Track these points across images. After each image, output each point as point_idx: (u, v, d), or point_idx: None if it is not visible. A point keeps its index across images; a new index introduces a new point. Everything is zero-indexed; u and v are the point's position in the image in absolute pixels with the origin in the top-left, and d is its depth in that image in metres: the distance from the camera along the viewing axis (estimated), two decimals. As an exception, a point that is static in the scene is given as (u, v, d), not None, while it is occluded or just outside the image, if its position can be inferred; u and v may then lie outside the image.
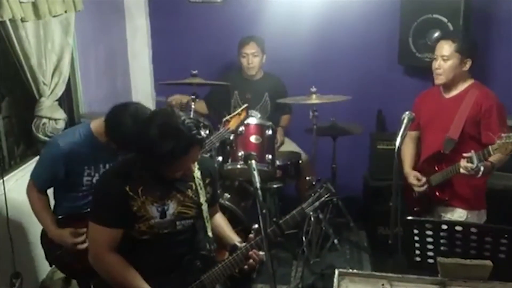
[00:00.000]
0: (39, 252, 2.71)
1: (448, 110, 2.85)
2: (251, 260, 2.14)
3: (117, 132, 2.33)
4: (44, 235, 2.56)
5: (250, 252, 2.14)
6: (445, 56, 2.80)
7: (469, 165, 2.59)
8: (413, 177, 2.93)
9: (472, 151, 2.60)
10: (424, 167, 2.96)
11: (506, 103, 2.87)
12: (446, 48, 2.80)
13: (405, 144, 3.03)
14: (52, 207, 2.59)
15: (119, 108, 2.34)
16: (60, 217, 2.51)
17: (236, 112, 3.16)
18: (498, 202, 3.10)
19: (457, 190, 2.83)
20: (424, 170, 2.94)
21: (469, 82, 2.87)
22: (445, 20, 3.71)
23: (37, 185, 2.50)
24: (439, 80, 2.86)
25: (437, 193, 2.87)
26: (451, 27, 3.69)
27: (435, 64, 2.85)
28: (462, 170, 2.64)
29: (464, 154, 2.64)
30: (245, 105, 3.24)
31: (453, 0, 3.67)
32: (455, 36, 2.88)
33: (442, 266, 1.78)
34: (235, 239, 2.27)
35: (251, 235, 2.18)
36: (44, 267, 2.97)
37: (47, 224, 2.50)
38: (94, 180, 2.49)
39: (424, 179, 2.89)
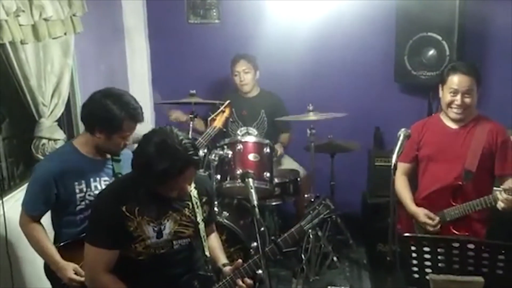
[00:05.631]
0: (38, 273, 2.70)
1: (459, 141, 2.80)
2: None
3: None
4: (47, 267, 2.47)
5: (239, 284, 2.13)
6: (469, 91, 2.73)
7: (510, 197, 2.48)
8: (424, 216, 2.78)
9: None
10: (432, 201, 2.82)
11: (500, 120, 2.89)
12: (468, 83, 2.72)
13: (399, 180, 2.90)
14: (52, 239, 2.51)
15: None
16: (61, 244, 2.44)
17: (220, 110, 3.18)
18: (501, 217, 2.92)
19: (474, 225, 2.73)
20: (432, 205, 2.81)
21: (475, 112, 2.83)
22: (439, 38, 3.77)
23: (31, 213, 2.42)
24: (460, 116, 2.78)
25: (454, 231, 2.72)
26: (445, 45, 3.74)
27: (457, 100, 2.74)
28: (502, 204, 2.53)
29: (503, 186, 2.56)
30: (228, 101, 3.25)
31: (447, 19, 3.72)
32: (468, 67, 2.78)
33: (434, 283, 1.78)
34: (221, 261, 2.26)
35: (239, 261, 2.17)
36: (44, 286, 2.95)
37: (48, 255, 2.40)
38: (87, 196, 2.43)
39: (437, 218, 2.76)
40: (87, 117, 2.42)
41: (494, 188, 2.78)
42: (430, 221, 2.76)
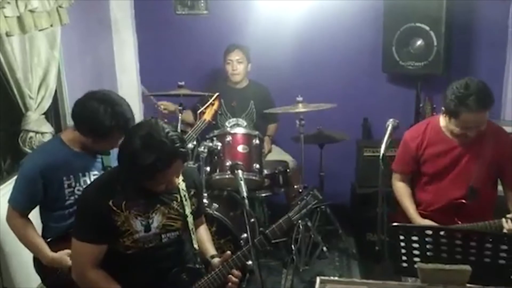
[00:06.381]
0: (27, 267, 2.68)
1: (464, 156, 2.65)
2: (229, 284, 2.12)
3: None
4: (37, 261, 2.44)
5: (229, 277, 2.12)
6: (483, 122, 2.55)
7: None
8: None
9: None
10: (436, 217, 2.68)
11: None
12: (484, 117, 2.52)
13: (399, 187, 2.83)
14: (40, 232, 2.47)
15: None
16: (49, 239, 2.41)
17: (209, 102, 3.17)
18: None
19: None
20: (436, 220, 2.66)
21: None
22: (427, 28, 3.78)
23: (18, 209, 2.37)
24: (470, 137, 2.60)
25: None
26: (433, 36, 3.75)
27: (469, 132, 2.55)
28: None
29: (509, 216, 2.46)
30: (217, 94, 3.23)
31: (435, 9, 3.73)
32: (485, 100, 2.48)
33: (422, 272, 1.79)
34: (210, 253, 2.24)
35: (228, 252, 2.17)
36: (32, 282, 2.94)
37: (39, 250, 2.36)
38: (76, 191, 2.40)
39: None
40: (76, 118, 2.36)
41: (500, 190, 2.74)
42: None
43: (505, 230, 2.47)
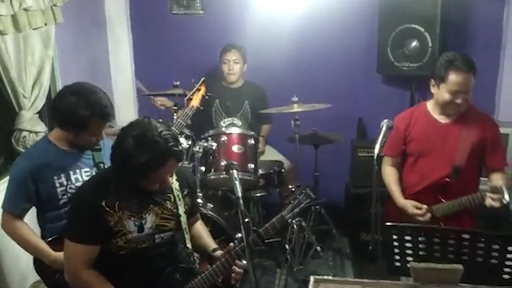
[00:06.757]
0: (21, 266, 2.68)
1: (449, 137, 2.71)
2: (233, 274, 2.13)
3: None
4: (38, 264, 2.42)
5: (233, 268, 2.13)
6: (470, 89, 2.62)
7: (497, 196, 2.47)
8: (411, 206, 2.72)
9: (501, 183, 2.54)
10: (422, 197, 2.75)
11: (481, 108, 2.92)
12: (469, 80, 2.59)
13: (388, 172, 2.90)
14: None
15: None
16: (49, 239, 2.39)
17: (195, 88, 3.15)
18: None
19: (463, 219, 2.68)
20: (422, 200, 2.74)
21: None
22: (422, 29, 3.79)
23: (12, 212, 2.35)
24: (458, 111, 2.68)
25: (443, 226, 2.61)
26: (428, 37, 3.77)
27: (458, 100, 2.61)
28: (490, 202, 2.52)
29: (489, 185, 2.55)
30: (202, 79, 3.22)
31: (430, 10, 3.75)
32: (468, 63, 2.61)
33: (414, 271, 1.81)
34: (211, 246, 2.25)
35: (231, 244, 2.16)
36: (26, 281, 2.94)
37: (39, 250, 2.35)
38: (68, 189, 2.38)
39: (424, 206, 2.70)
40: (55, 115, 2.37)
41: (481, 188, 2.77)
42: (418, 211, 2.71)
43: (487, 201, 2.54)
